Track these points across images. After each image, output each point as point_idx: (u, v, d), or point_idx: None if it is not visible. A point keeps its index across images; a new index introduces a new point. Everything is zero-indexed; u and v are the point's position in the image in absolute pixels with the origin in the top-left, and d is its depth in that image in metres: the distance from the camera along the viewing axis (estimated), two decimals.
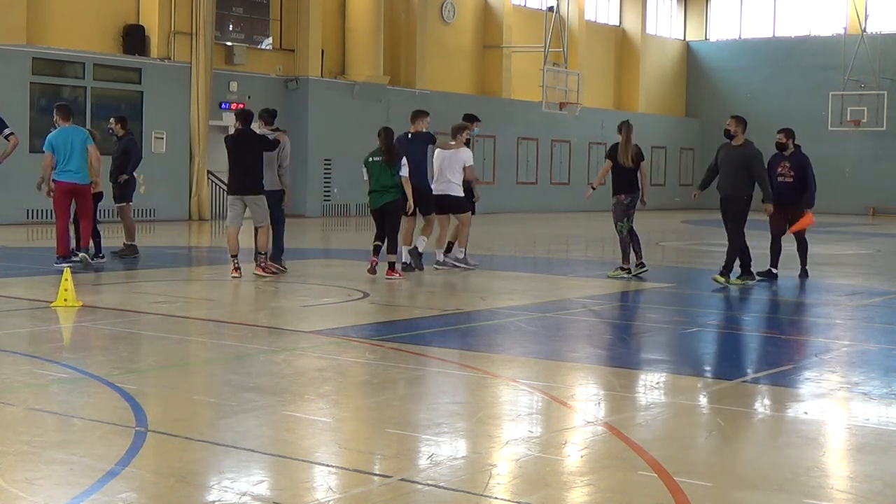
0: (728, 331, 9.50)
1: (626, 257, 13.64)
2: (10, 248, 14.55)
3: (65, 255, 13.11)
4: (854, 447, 5.59)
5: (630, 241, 13.65)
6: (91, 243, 13.61)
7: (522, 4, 36.30)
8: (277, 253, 13.50)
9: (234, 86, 27.21)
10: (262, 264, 12.99)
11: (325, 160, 28.78)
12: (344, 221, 27.75)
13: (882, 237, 25.18)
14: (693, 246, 21.49)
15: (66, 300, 9.86)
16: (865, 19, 38.57)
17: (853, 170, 40.41)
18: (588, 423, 6.01)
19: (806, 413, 6.26)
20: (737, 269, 13.29)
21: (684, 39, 44.26)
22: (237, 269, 12.73)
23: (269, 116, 13.64)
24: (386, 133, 13.13)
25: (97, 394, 6.45)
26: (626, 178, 13.71)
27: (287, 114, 27.51)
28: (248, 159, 12.78)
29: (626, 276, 13.52)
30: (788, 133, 13.97)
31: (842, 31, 39.20)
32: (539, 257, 18.52)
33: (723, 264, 13.23)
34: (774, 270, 13.87)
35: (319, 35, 28.87)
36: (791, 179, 13.70)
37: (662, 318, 10.34)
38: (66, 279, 9.90)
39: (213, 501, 4.45)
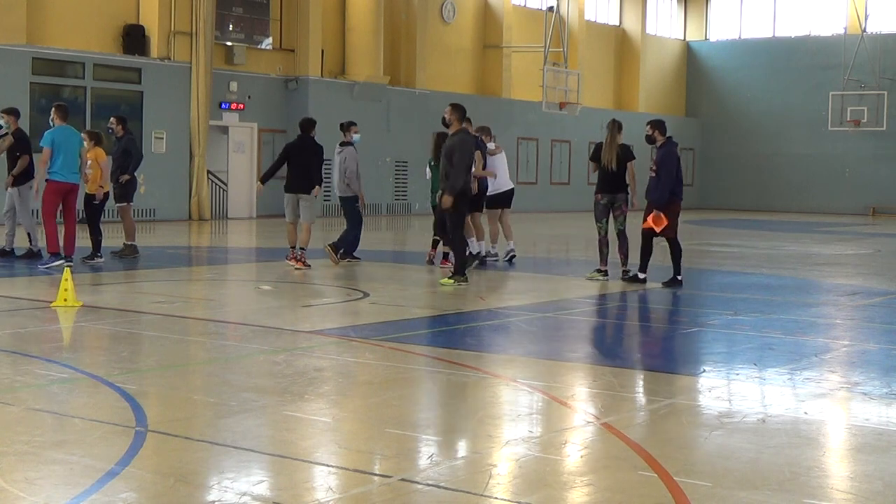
0: (728, 331, 9.50)
1: (603, 259, 13.48)
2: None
3: (57, 252, 13.26)
4: (854, 447, 5.59)
5: (619, 243, 13.49)
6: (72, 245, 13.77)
7: (522, 4, 36.31)
8: (350, 248, 14.69)
9: (234, 86, 27.21)
10: (298, 257, 14.09)
11: (326, 160, 28.75)
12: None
13: (882, 237, 25.18)
14: (693, 246, 21.49)
15: (66, 300, 9.86)
16: (865, 19, 38.57)
17: (853, 170, 40.42)
18: (588, 423, 6.01)
19: (806, 413, 6.25)
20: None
21: (684, 39, 44.27)
22: (295, 258, 14.09)
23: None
24: (438, 137, 14.20)
25: (97, 394, 6.45)
26: (607, 179, 13.45)
27: (287, 114, 27.54)
28: (305, 164, 14.45)
29: (601, 278, 13.32)
30: (655, 125, 13.17)
31: (842, 31, 39.20)
32: (539, 257, 18.52)
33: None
34: (641, 275, 12.97)
35: (319, 35, 28.88)
36: (654, 174, 12.86)
37: (662, 318, 10.34)
38: (66, 279, 9.90)
39: (213, 501, 4.45)
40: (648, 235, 12.81)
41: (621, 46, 41.15)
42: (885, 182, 39.67)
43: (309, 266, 14.04)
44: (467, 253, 14.57)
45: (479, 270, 14.19)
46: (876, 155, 39.84)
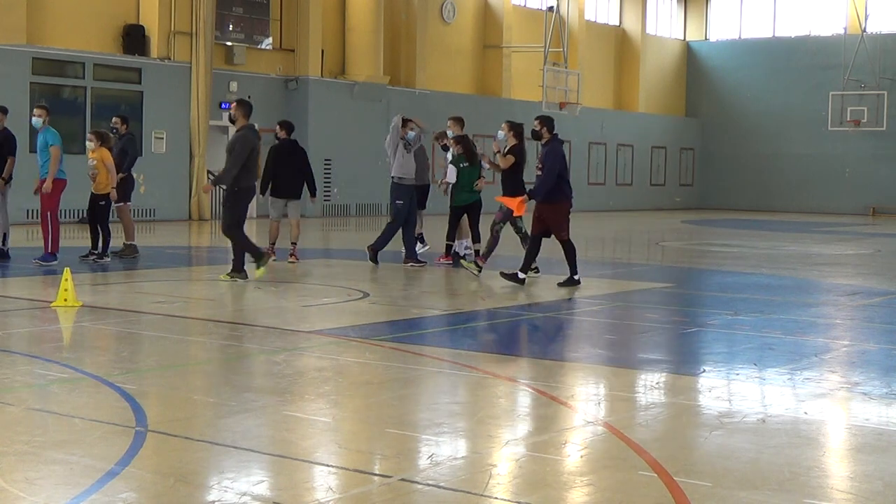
0: (728, 331, 9.50)
1: (487, 254, 13.48)
2: (9, 247, 14.53)
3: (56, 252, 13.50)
4: (854, 447, 5.59)
5: (522, 244, 13.43)
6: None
7: (522, 4, 36.30)
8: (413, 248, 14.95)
9: (234, 86, 27.20)
10: (294, 254, 14.86)
11: (326, 160, 28.76)
12: (344, 221, 27.74)
13: (882, 237, 25.18)
14: (693, 246, 21.49)
15: (66, 300, 9.86)
16: (865, 19, 38.55)
17: (853, 170, 40.41)
18: (588, 423, 6.01)
19: (806, 413, 6.25)
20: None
21: (684, 39, 44.26)
22: (274, 252, 14.61)
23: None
24: (465, 140, 14.92)
25: (97, 394, 6.45)
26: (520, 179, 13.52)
27: (287, 114, 27.51)
28: (293, 168, 14.96)
29: (476, 273, 13.19)
30: (544, 121, 12.95)
31: (842, 31, 39.19)
32: (539, 257, 18.49)
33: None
34: (521, 275, 12.60)
35: (319, 35, 28.87)
36: (540, 172, 12.63)
37: (662, 318, 10.34)
38: (66, 279, 9.89)
39: (213, 501, 4.45)
40: (538, 237, 12.70)
41: (621, 46, 41.15)
42: (885, 182, 39.66)
43: (297, 259, 14.79)
44: (452, 251, 14.86)
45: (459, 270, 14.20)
46: (876, 155, 39.83)
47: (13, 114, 19.29)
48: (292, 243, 14.95)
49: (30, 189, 14.55)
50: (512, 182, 13.72)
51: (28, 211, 22.55)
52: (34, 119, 13.86)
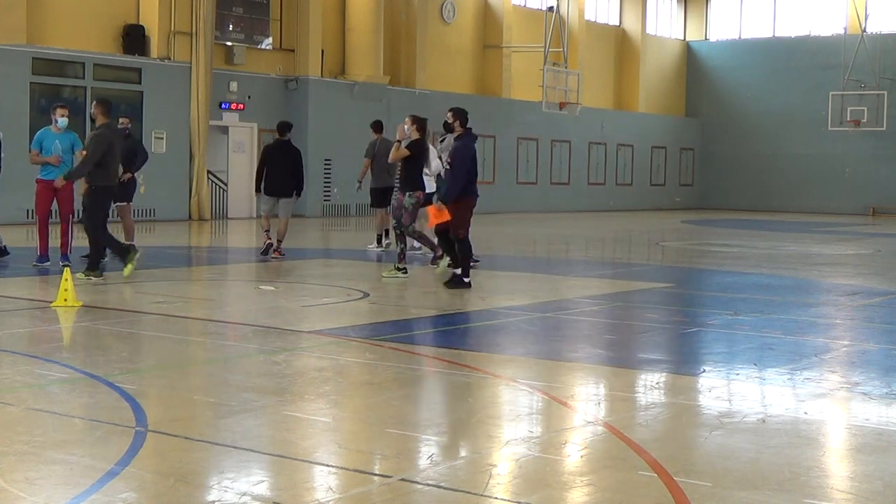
0: (728, 331, 9.50)
1: (402, 255, 13.20)
2: (9, 247, 14.54)
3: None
4: (854, 447, 5.59)
5: (402, 241, 13.30)
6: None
7: (522, 4, 36.30)
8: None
9: (234, 86, 27.21)
10: (279, 249, 15.37)
11: (325, 160, 28.78)
12: (344, 221, 27.74)
13: (882, 237, 25.18)
14: (693, 246, 21.49)
15: (66, 300, 9.86)
16: (865, 19, 38.55)
17: (853, 170, 40.42)
18: (588, 423, 6.01)
19: (806, 413, 6.25)
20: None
21: (684, 39, 44.26)
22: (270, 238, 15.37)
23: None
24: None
25: (97, 394, 6.45)
26: (419, 175, 13.25)
27: (287, 114, 27.52)
28: (284, 167, 15.44)
29: (401, 275, 12.99)
30: (457, 113, 12.40)
31: (842, 31, 39.19)
32: (539, 257, 18.52)
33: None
34: (466, 279, 12.15)
35: (319, 35, 28.87)
36: (449, 167, 12.25)
37: (662, 318, 10.34)
38: (66, 279, 9.89)
39: (213, 501, 4.45)
40: (444, 233, 12.25)
41: (621, 46, 41.15)
42: (885, 182, 39.66)
43: (284, 255, 15.32)
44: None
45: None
46: (876, 155, 39.83)
47: (13, 114, 19.29)
48: (278, 240, 15.38)
49: (28, 189, 14.48)
50: (408, 177, 13.08)
51: (28, 211, 22.56)
52: (61, 119, 13.39)
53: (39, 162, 13.32)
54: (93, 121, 12.78)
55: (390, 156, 13.43)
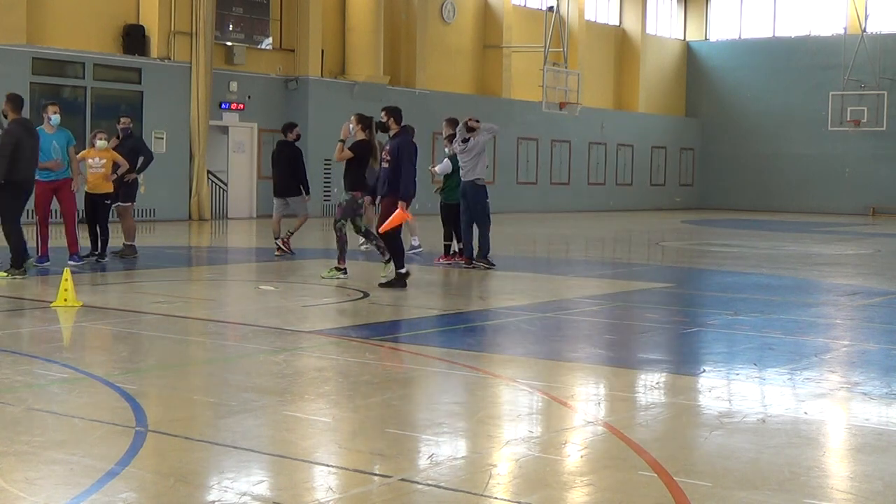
0: (728, 331, 9.50)
1: (342, 256, 12.95)
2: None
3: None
4: (854, 447, 5.59)
5: (368, 240, 13.16)
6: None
7: (522, 4, 36.30)
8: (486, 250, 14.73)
9: (234, 86, 27.21)
10: (284, 240, 15.76)
11: (325, 160, 28.77)
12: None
13: (882, 237, 25.18)
14: (693, 246, 21.49)
15: (66, 300, 9.86)
16: (865, 19, 38.55)
17: (853, 170, 40.42)
18: (588, 423, 6.01)
19: (806, 413, 6.25)
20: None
21: (684, 39, 44.27)
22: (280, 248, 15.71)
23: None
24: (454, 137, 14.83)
25: (97, 394, 6.45)
26: (363, 175, 12.95)
27: (287, 114, 27.53)
28: (289, 167, 15.88)
29: (342, 276, 12.80)
30: (390, 111, 12.23)
31: (842, 31, 39.19)
32: (539, 257, 18.52)
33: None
34: (402, 270, 12.02)
35: (319, 35, 28.87)
36: (387, 165, 12.04)
37: (662, 318, 10.34)
38: (66, 279, 9.89)
39: (213, 501, 4.45)
40: (392, 233, 12.04)
41: (621, 46, 41.15)
42: (885, 182, 39.66)
43: (293, 253, 15.64)
44: (451, 251, 15.00)
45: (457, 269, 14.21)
46: (876, 155, 39.83)
47: None
48: (289, 232, 15.86)
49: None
50: (352, 177, 12.84)
51: (29, 212, 22.54)
52: (54, 116, 13.26)
53: (39, 167, 13.19)
54: (5, 116, 12.49)
55: (335, 156, 13.08)
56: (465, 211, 14.62)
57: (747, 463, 5.13)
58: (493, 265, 14.38)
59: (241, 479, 4.76)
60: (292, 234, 15.91)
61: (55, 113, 13.29)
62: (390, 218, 11.84)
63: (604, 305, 11.24)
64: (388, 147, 12.18)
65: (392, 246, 12.04)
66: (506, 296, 12.05)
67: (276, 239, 15.88)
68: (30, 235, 14.40)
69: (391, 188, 11.97)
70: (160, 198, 25.18)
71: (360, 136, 12.81)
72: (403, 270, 12.00)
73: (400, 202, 11.87)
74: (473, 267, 14.35)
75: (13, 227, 12.18)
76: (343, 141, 12.84)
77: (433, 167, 15.56)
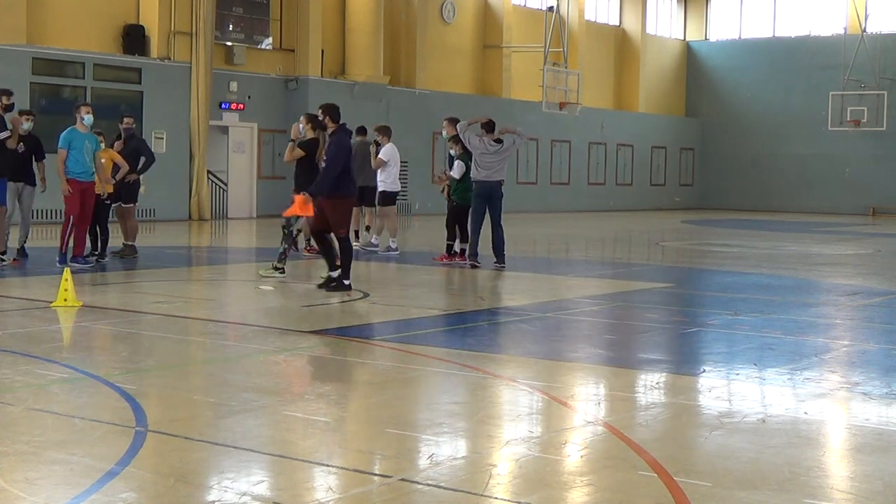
0: (728, 331, 9.50)
1: (284, 256, 12.78)
2: (10, 247, 14.53)
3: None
4: (854, 447, 5.59)
5: (283, 239, 12.96)
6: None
7: (522, 4, 36.30)
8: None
9: (234, 86, 27.21)
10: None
11: (325, 160, 28.74)
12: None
13: (882, 237, 25.18)
14: (693, 246, 21.50)
15: (66, 300, 9.86)
16: (865, 19, 38.55)
17: (853, 170, 40.42)
18: (588, 423, 6.01)
19: (806, 413, 6.25)
20: None
21: (684, 39, 44.27)
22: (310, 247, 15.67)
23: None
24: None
25: (97, 394, 6.45)
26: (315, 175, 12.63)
27: (287, 114, 27.54)
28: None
29: (279, 275, 12.71)
30: (326, 109, 12.09)
31: (842, 31, 39.19)
32: (539, 257, 18.52)
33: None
34: (347, 282, 11.70)
35: (319, 35, 28.87)
36: (325, 164, 11.86)
37: (662, 318, 10.34)
38: (66, 279, 9.90)
39: (213, 501, 4.45)
40: (321, 233, 11.84)
41: (621, 46, 41.15)
42: (885, 182, 39.66)
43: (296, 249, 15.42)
44: (452, 251, 15.04)
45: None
46: (876, 155, 39.83)
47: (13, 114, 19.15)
48: (298, 230, 15.77)
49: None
50: (305, 177, 12.51)
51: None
52: (87, 117, 13.35)
53: (59, 171, 13.18)
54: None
55: (285, 156, 12.93)
56: (481, 211, 14.60)
57: (747, 463, 5.13)
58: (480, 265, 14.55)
59: (241, 479, 4.76)
60: (300, 231, 15.91)
61: (88, 113, 13.41)
62: (291, 206, 11.66)
63: (604, 305, 11.24)
64: (326, 146, 11.99)
65: (343, 248, 11.74)
66: (506, 296, 12.04)
67: (307, 239, 15.88)
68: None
69: (329, 187, 11.71)
70: (160, 198, 25.17)
71: (311, 135, 12.65)
72: (336, 274, 11.72)
73: (304, 194, 11.63)
74: (477, 266, 14.36)
75: None
76: (294, 141, 12.66)
77: (448, 171, 15.33)
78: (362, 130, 17.77)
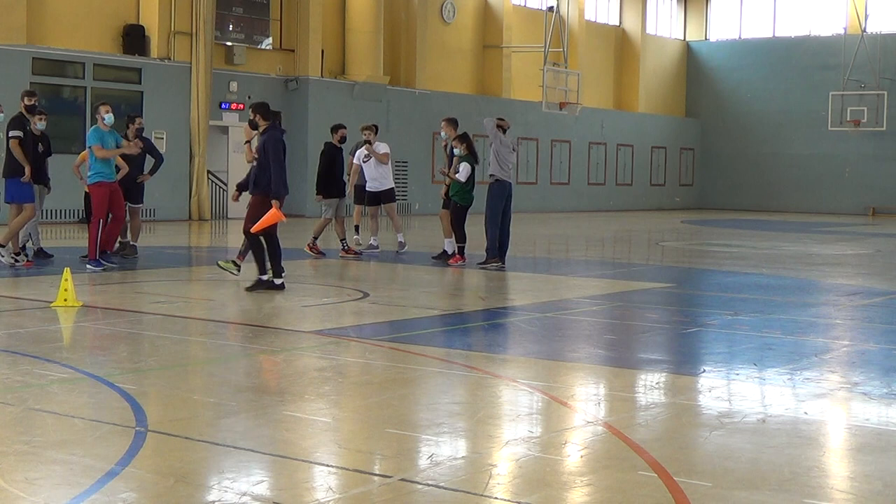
0: (728, 331, 9.50)
1: (245, 254, 12.47)
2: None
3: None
4: (854, 447, 5.59)
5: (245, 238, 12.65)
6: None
7: (522, 4, 36.30)
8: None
9: (234, 86, 27.21)
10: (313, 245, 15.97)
11: (257, 159, 28.72)
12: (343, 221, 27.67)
13: (882, 237, 25.18)
14: (693, 246, 21.50)
15: (66, 300, 9.86)
16: (865, 19, 38.56)
17: (853, 170, 40.42)
18: (588, 423, 6.01)
19: (806, 413, 6.26)
20: None
21: (684, 39, 44.27)
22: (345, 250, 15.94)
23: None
24: (468, 138, 15.24)
25: (97, 394, 6.45)
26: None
27: (287, 114, 27.54)
28: (339, 169, 16.12)
29: (234, 271, 12.51)
30: (256, 108, 11.79)
31: (842, 31, 39.19)
32: (539, 257, 18.52)
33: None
34: (264, 278, 11.57)
35: (319, 35, 28.87)
36: (256, 163, 11.74)
37: (662, 318, 10.34)
38: (66, 279, 9.90)
39: (213, 501, 4.45)
40: (266, 234, 11.57)
41: (621, 46, 41.16)
42: (885, 182, 39.67)
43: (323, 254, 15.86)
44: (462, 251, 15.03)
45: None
46: (876, 155, 39.84)
47: (13, 114, 19.17)
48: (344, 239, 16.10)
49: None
50: (263, 176, 12.14)
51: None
52: (108, 116, 13.41)
53: (107, 155, 13.27)
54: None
55: (245, 157, 12.72)
56: (500, 211, 14.58)
57: (747, 463, 5.13)
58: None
59: (241, 479, 4.76)
60: (316, 236, 16.06)
61: (108, 112, 13.47)
62: (263, 218, 11.39)
63: (604, 305, 11.24)
64: (257, 145, 11.82)
65: (253, 245, 11.56)
66: (506, 296, 12.04)
67: (341, 240, 16.04)
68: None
69: (257, 186, 11.56)
70: (160, 198, 25.18)
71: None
72: (265, 277, 11.51)
73: (273, 201, 11.38)
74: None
75: None
76: (249, 142, 12.41)
77: (445, 169, 15.26)
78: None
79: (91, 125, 14.38)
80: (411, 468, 5.02)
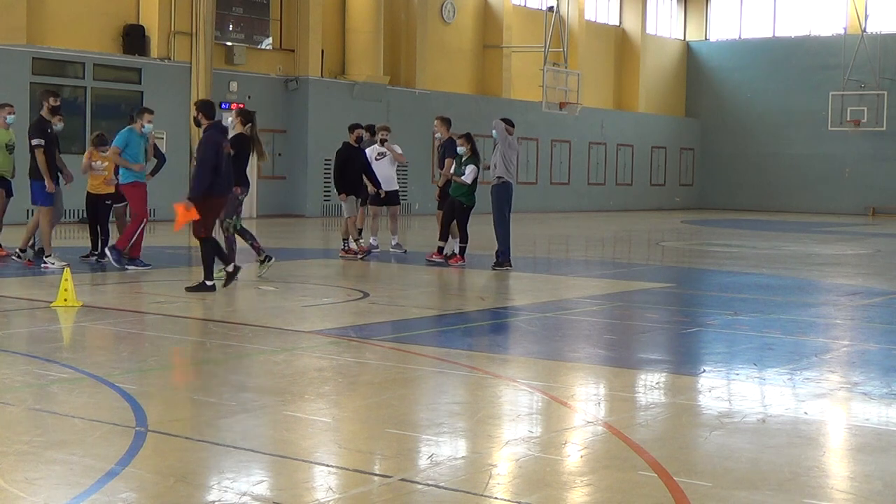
0: (728, 331, 9.50)
1: (231, 257, 12.23)
2: (11, 247, 14.54)
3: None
4: (854, 447, 5.59)
5: (244, 238, 12.78)
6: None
7: (522, 4, 36.30)
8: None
9: (234, 86, 27.21)
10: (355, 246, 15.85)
11: (325, 160, 28.75)
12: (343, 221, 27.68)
13: (882, 237, 25.18)
14: (693, 246, 21.50)
15: (66, 300, 9.86)
16: (865, 19, 38.56)
17: (853, 170, 40.42)
18: (588, 423, 6.01)
19: (806, 413, 6.25)
20: None
21: (684, 39, 44.27)
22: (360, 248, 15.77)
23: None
24: (471, 138, 15.16)
25: (97, 394, 6.45)
26: (243, 170, 12.52)
27: (287, 114, 27.54)
28: (359, 168, 15.90)
29: (270, 262, 12.63)
30: (200, 106, 11.63)
31: (842, 31, 39.20)
32: (539, 257, 18.52)
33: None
34: (209, 283, 11.51)
35: (319, 35, 28.87)
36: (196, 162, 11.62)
37: (662, 318, 10.34)
38: (66, 279, 9.90)
39: (213, 501, 4.45)
40: (197, 236, 11.57)
41: (621, 46, 41.15)
42: (884, 182, 39.67)
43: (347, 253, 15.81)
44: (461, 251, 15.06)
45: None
46: (876, 155, 39.84)
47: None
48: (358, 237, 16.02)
49: (29, 189, 14.47)
50: (234, 172, 12.23)
51: (29, 211, 22.54)
52: (148, 125, 13.87)
53: (122, 164, 13.69)
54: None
55: None
56: (509, 212, 14.64)
57: (747, 463, 5.13)
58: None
59: (241, 479, 4.76)
60: (346, 239, 16.13)
61: (150, 122, 13.94)
62: (177, 219, 11.35)
63: (604, 305, 11.24)
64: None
65: (204, 249, 11.57)
66: (506, 296, 12.04)
67: (344, 240, 16.04)
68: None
69: (206, 188, 11.39)
70: (160, 198, 25.14)
71: (238, 129, 12.49)
72: (210, 283, 11.46)
73: (187, 201, 11.22)
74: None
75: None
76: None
77: (459, 177, 15.12)
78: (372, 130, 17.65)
79: (89, 126, 14.42)
80: (411, 468, 5.02)
